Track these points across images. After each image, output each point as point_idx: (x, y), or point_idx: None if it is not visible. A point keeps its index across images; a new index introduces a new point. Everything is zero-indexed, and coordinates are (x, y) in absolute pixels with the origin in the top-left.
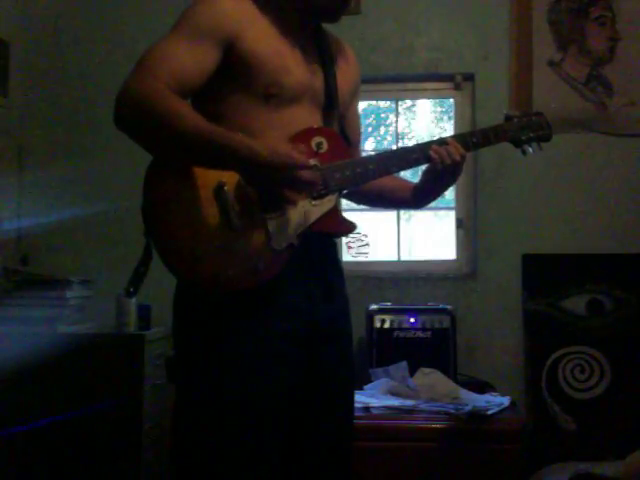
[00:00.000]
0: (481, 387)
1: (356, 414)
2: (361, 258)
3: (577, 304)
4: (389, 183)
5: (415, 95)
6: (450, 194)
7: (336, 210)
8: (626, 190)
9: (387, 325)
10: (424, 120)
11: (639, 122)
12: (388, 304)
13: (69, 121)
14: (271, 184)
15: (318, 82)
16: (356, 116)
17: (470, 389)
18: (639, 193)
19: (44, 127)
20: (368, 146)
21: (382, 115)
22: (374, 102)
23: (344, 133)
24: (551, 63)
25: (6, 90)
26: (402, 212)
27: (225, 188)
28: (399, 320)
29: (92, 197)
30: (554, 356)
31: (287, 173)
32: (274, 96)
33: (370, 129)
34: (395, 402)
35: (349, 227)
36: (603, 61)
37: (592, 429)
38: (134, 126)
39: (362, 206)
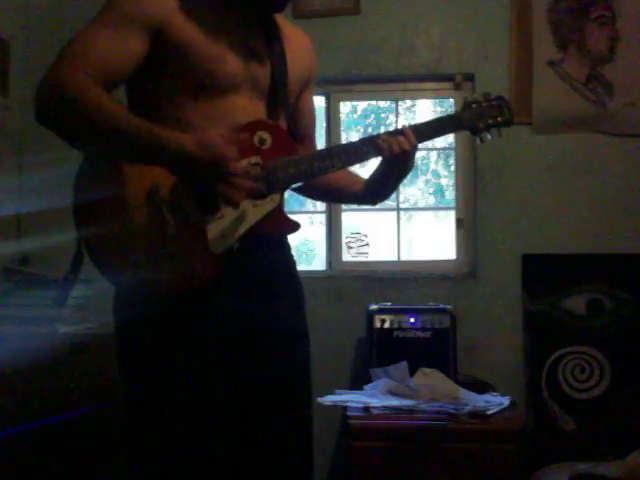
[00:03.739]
0: (481, 387)
1: (356, 414)
2: (361, 258)
3: (577, 304)
4: (342, 178)
5: (415, 95)
6: (450, 194)
7: (280, 209)
8: (626, 190)
9: (387, 325)
10: (424, 120)
11: (639, 122)
12: (388, 304)
13: None
14: (203, 180)
15: (262, 70)
16: (309, 107)
17: (470, 389)
18: (639, 193)
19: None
20: None
21: (382, 115)
22: (374, 102)
23: (293, 125)
24: (551, 63)
25: (6, 90)
26: (402, 212)
27: (160, 191)
28: (399, 320)
29: None
30: (554, 356)
31: (218, 168)
32: (208, 87)
33: (370, 129)
34: (395, 402)
35: (292, 227)
36: (603, 61)
37: (592, 429)
38: (54, 120)
39: (362, 206)
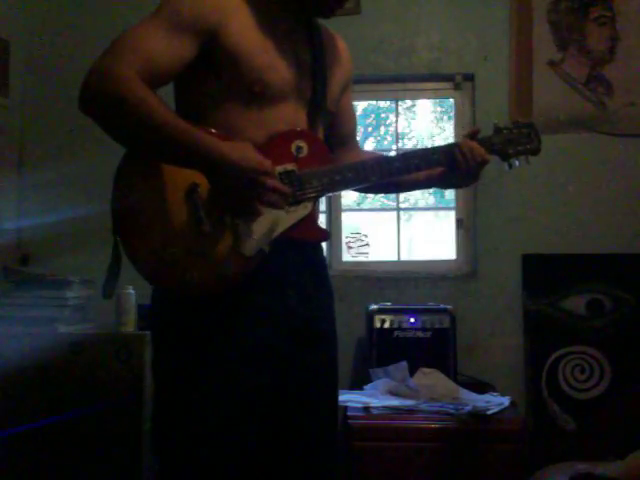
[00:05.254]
0: (481, 387)
1: (356, 414)
2: (361, 258)
3: (577, 304)
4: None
5: (415, 95)
6: (450, 194)
7: (312, 217)
8: (626, 190)
9: (387, 325)
10: (424, 120)
11: (639, 122)
12: (388, 304)
13: (69, 121)
14: (236, 191)
15: (306, 80)
16: (349, 108)
17: (470, 389)
18: (639, 193)
19: (44, 127)
20: (368, 146)
21: (382, 115)
22: (374, 102)
23: (335, 127)
24: (551, 63)
25: (6, 90)
26: (402, 212)
27: (198, 190)
28: (399, 320)
29: (92, 197)
30: (554, 356)
31: (253, 181)
32: (258, 95)
33: (370, 129)
34: (395, 402)
35: (322, 235)
36: (603, 61)
37: (592, 429)
38: (99, 111)
39: (362, 206)
